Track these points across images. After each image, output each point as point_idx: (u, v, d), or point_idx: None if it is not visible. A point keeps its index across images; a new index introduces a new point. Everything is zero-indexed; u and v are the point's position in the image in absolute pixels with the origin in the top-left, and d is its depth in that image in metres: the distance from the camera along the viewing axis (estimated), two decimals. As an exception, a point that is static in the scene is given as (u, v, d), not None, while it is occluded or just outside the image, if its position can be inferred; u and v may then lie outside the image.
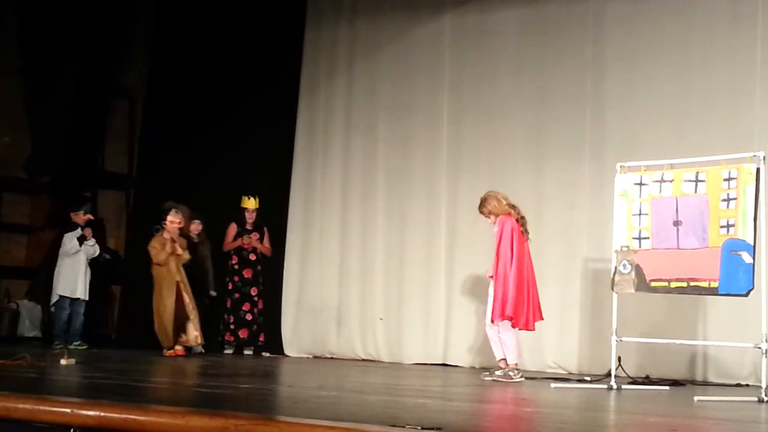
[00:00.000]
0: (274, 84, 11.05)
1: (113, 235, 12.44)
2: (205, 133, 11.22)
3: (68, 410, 4.32)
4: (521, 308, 7.81)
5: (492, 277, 7.90)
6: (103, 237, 11.94)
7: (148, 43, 12.30)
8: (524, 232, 7.96)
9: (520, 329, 7.93)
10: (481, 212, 8.08)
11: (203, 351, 10.18)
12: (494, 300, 7.85)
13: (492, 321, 7.90)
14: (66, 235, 10.69)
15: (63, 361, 7.73)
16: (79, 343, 10.48)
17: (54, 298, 10.64)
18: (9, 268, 12.29)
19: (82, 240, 10.64)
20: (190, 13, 11.62)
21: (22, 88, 12.15)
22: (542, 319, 8.02)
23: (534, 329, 8.01)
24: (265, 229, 10.64)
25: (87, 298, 10.73)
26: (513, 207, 8.00)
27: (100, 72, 12.44)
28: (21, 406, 4.42)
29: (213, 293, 10.60)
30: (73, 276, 10.62)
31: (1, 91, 12.17)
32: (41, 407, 4.39)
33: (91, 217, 10.92)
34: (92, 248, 10.79)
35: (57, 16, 11.76)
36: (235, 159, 10.92)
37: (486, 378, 7.85)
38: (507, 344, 7.86)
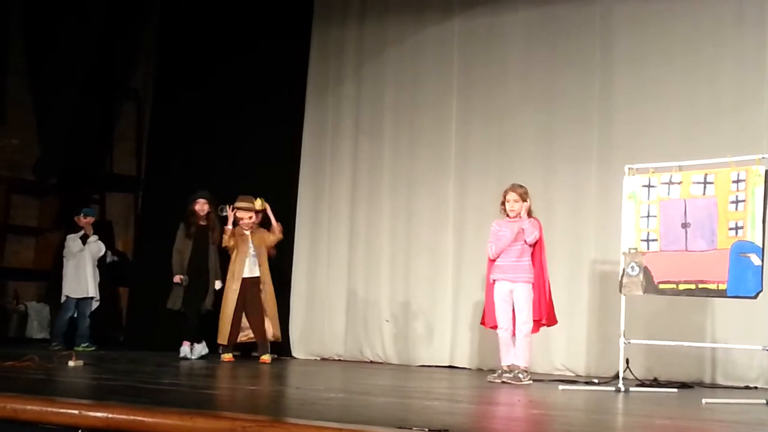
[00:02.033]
0: (282, 85, 11.05)
1: (121, 237, 12.45)
2: (212, 135, 11.23)
3: (76, 412, 4.33)
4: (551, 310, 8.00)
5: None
6: (112, 239, 11.96)
7: (155, 44, 12.32)
8: None
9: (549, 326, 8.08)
10: (518, 194, 7.90)
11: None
12: (540, 305, 7.89)
13: (540, 325, 7.96)
14: (68, 236, 10.74)
15: (71, 363, 7.75)
16: (87, 344, 10.50)
17: (62, 299, 10.66)
18: (17, 270, 12.31)
19: (84, 239, 10.68)
20: (198, 14, 11.64)
21: (29, 90, 12.18)
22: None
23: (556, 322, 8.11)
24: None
25: (98, 297, 10.75)
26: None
27: (107, 74, 12.48)
28: (29, 407, 4.44)
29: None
30: (78, 276, 10.64)
31: (9, 93, 12.21)
32: (49, 409, 4.40)
33: (92, 220, 10.91)
34: (96, 245, 10.78)
35: (63, 18, 11.78)
36: (243, 161, 10.92)
37: (495, 380, 7.84)
38: (528, 346, 7.86)
